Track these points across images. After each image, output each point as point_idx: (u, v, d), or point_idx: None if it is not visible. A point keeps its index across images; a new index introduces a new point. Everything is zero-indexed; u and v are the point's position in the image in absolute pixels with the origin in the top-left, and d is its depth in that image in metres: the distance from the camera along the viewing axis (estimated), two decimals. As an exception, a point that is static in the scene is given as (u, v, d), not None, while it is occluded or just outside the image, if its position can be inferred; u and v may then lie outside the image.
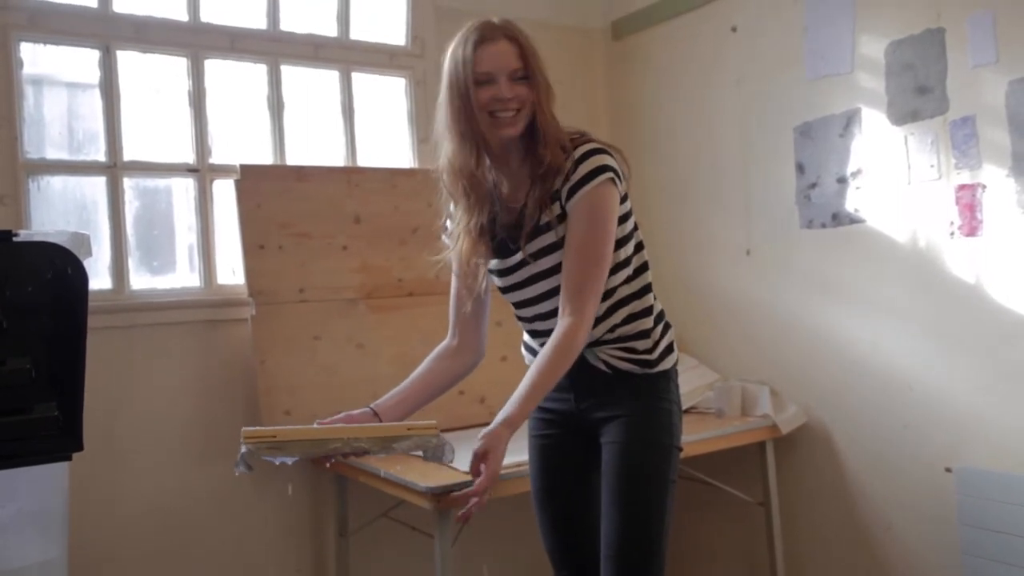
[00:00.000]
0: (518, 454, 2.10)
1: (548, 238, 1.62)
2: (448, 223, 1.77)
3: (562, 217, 1.60)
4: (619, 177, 1.61)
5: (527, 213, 1.62)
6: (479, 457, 1.44)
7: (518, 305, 1.73)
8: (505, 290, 1.74)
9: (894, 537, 2.60)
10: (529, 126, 1.61)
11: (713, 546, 3.18)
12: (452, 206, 1.74)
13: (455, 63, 1.60)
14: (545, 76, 1.61)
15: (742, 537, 3.06)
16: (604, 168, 1.58)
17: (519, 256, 1.65)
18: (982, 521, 2.27)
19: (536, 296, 1.68)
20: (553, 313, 1.65)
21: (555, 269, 1.62)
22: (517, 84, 1.58)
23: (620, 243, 1.64)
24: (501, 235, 1.67)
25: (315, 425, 1.63)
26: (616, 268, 1.65)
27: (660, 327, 1.71)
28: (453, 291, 1.79)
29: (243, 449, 1.41)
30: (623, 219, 1.65)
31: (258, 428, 1.46)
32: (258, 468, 1.66)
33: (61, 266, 1.10)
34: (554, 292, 1.64)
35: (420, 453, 1.51)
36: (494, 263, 1.71)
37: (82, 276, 1.12)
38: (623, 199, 1.64)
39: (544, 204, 1.60)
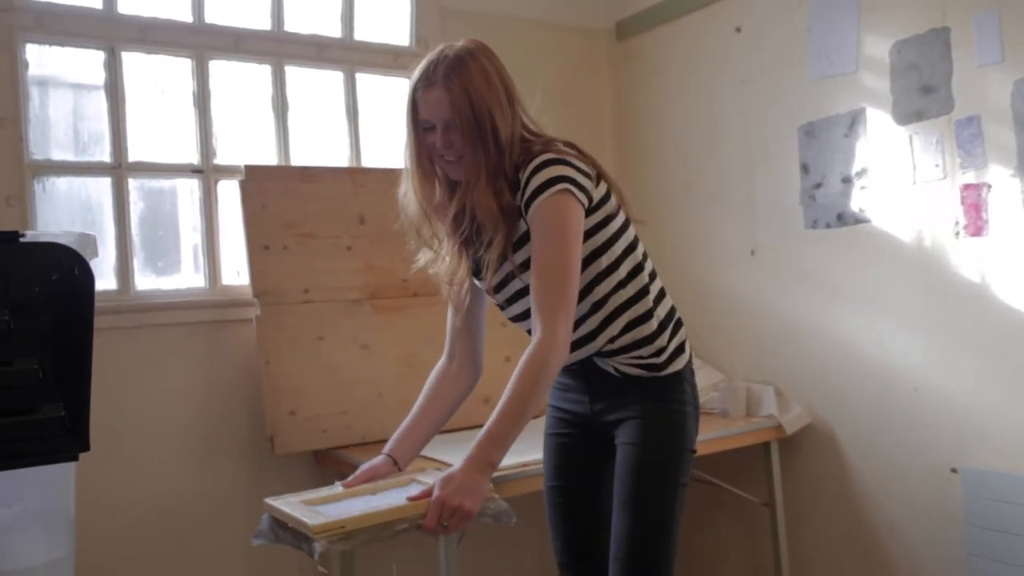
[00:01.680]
0: (527, 453, 2.11)
1: (515, 259, 1.61)
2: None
3: (524, 238, 1.59)
4: (577, 186, 1.54)
5: (488, 252, 1.61)
6: (426, 491, 1.47)
7: (510, 319, 1.74)
8: (498, 306, 1.75)
9: (899, 538, 2.59)
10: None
11: (718, 546, 3.17)
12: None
13: (406, 105, 1.61)
14: (485, 118, 1.53)
15: (747, 537, 3.06)
16: (556, 179, 1.53)
17: (498, 277, 1.65)
18: (988, 522, 2.27)
19: (521, 314, 1.68)
20: (533, 333, 1.66)
21: (526, 291, 1.61)
22: (453, 132, 1.55)
23: (602, 249, 1.61)
24: (478, 259, 1.67)
25: (338, 487, 1.63)
26: (602, 275, 1.62)
27: (668, 331, 1.68)
28: (452, 311, 1.80)
29: (317, 547, 1.38)
30: (603, 224, 1.61)
31: (321, 520, 1.41)
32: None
33: (67, 267, 1.11)
34: (531, 313, 1.63)
35: (485, 519, 1.52)
36: (479, 282, 1.72)
37: (88, 277, 1.13)
38: (599, 204, 1.60)
39: (507, 247, 1.59)
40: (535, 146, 1.60)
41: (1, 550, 1.51)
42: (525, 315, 1.66)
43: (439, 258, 1.69)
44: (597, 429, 1.73)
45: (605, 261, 1.62)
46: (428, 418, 1.75)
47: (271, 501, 1.55)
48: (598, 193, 1.60)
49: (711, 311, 3.14)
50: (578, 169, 1.56)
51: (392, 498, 1.53)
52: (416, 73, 1.59)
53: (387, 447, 1.71)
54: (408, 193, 1.67)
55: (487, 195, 1.56)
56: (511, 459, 2.18)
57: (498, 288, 1.66)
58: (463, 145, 1.55)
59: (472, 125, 1.53)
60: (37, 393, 1.10)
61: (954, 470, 2.38)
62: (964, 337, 2.39)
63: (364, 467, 1.67)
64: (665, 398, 1.66)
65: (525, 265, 1.59)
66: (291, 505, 1.53)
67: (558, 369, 1.54)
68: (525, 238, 1.59)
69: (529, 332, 1.72)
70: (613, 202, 1.64)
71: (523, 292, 1.62)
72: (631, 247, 1.67)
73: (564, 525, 1.78)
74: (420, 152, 1.61)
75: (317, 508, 1.52)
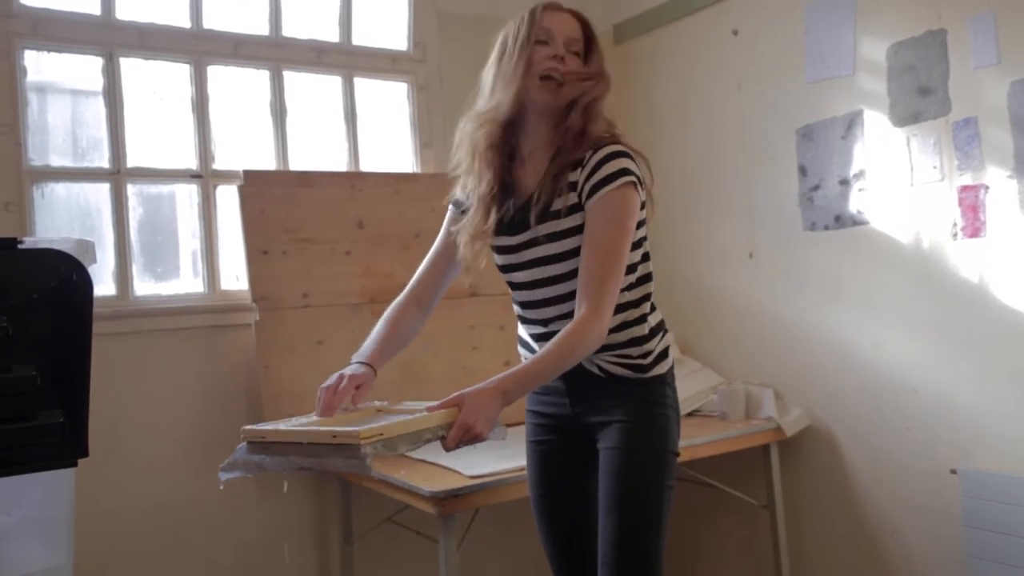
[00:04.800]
0: (519, 459, 2.11)
1: (555, 225, 1.61)
2: (459, 193, 1.77)
3: (573, 208, 1.60)
4: (640, 183, 1.61)
5: (541, 191, 1.62)
6: (447, 402, 1.46)
7: (515, 287, 1.73)
8: (504, 269, 1.73)
9: (899, 539, 2.59)
10: (568, 109, 1.62)
11: (718, 549, 3.17)
12: (465, 172, 1.72)
13: (516, 23, 1.64)
14: (603, 66, 1.64)
15: (747, 540, 3.06)
16: (627, 171, 1.58)
17: (526, 236, 1.65)
18: (987, 523, 2.27)
19: (533, 281, 1.67)
20: (546, 303, 1.66)
21: (556, 257, 1.62)
22: (571, 56, 1.61)
23: (631, 248, 1.63)
24: (513, 213, 1.67)
25: (311, 416, 1.59)
26: None
27: (656, 337, 1.70)
28: (433, 256, 1.80)
29: (363, 450, 1.35)
30: (638, 226, 1.64)
31: (359, 427, 1.38)
32: (257, 475, 1.61)
33: (66, 273, 1.11)
34: (551, 281, 1.64)
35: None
36: (500, 240, 1.70)
37: (86, 283, 1.13)
38: (641, 206, 1.64)
39: (560, 188, 1.60)
40: (596, 130, 1.64)
41: (0, 557, 1.50)
42: (535, 285, 1.67)
43: (469, 215, 1.69)
44: (578, 432, 1.73)
45: (629, 260, 1.63)
46: (394, 339, 1.73)
47: (256, 427, 1.48)
48: (643, 197, 1.64)
49: (710, 314, 3.14)
50: (640, 169, 1.62)
51: (399, 418, 1.49)
52: (534, 7, 1.65)
53: (363, 356, 1.66)
54: (469, 128, 1.67)
55: (600, 116, 1.63)
56: (507, 464, 2.19)
57: (523, 247, 1.65)
58: (580, 68, 1.62)
59: (598, 55, 1.64)
60: (35, 399, 1.10)
61: (953, 471, 2.38)
62: (962, 338, 2.40)
63: (347, 372, 1.60)
64: (647, 401, 1.66)
65: (556, 235, 1.61)
66: (293, 429, 1.47)
67: (595, 347, 1.56)
68: (567, 211, 1.61)
69: (518, 304, 1.74)
70: (646, 211, 1.68)
71: (547, 260, 1.64)
72: (647, 256, 1.71)
73: (553, 532, 1.77)
74: (520, 67, 1.61)
75: (328, 428, 1.48)
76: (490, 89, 1.66)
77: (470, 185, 1.70)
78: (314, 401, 1.57)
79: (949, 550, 2.42)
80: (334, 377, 1.58)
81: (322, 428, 1.44)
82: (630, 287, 1.66)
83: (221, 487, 1.48)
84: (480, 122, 1.65)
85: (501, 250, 1.71)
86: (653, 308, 1.72)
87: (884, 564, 2.64)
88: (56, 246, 1.15)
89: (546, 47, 1.61)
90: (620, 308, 1.64)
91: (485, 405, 1.44)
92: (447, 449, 1.45)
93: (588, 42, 1.64)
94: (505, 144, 1.66)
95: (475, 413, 1.43)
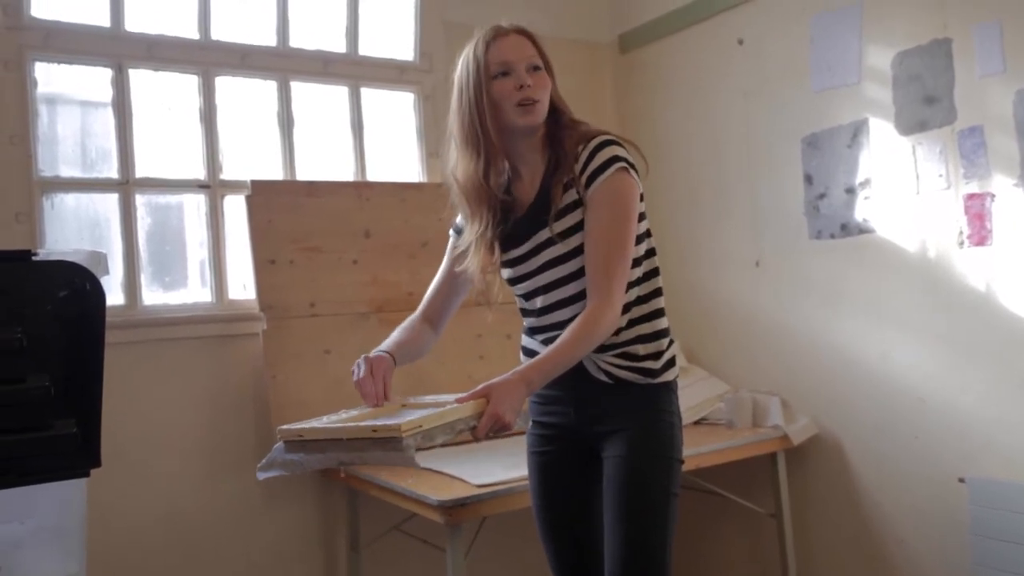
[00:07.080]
0: (525, 468, 2.11)
1: (559, 225, 1.62)
2: (459, 220, 1.78)
3: (574, 205, 1.61)
4: (635, 169, 1.62)
5: (541, 196, 1.64)
6: (475, 393, 1.48)
7: (526, 296, 1.73)
8: (513, 281, 1.74)
9: (906, 548, 2.59)
10: (550, 116, 1.65)
11: (725, 557, 3.16)
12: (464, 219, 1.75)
13: (466, 65, 1.63)
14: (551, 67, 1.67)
15: (754, 548, 3.05)
16: (618, 158, 1.59)
17: (532, 243, 1.66)
18: (995, 532, 2.27)
19: (545, 285, 1.67)
20: (560, 305, 1.66)
21: (565, 257, 1.63)
22: (535, 74, 1.61)
23: (635, 242, 1.64)
24: (515, 226, 1.68)
25: (350, 411, 1.60)
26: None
27: (666, 340, 1.69)
28: (439, 281, 1.81)
29: (405, 442, 1.35)
30: (639, 218, 1.65)
31: (399, 421, 1.39)
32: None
33: (79, 284, 1.12)
34: (563, 282, 1.65)
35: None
36: (506, 255, 1.71)
37: (99, 294, 1.13)
38: (640, 197, 1.65)
39: (559, 189, 1.61)
40: (580, 125, 1.66)
41: (14, 566, 1.51)
42: (548, 288, 1.67)
43: (471, 252, 1.70)
44: (581, 441, 1.72)
45: (633, 253, 1.64)
46: (410, 344, 1.74)
47: (291, 426, 1.48)
48: (639, 184, 1.65)
49: (716, 322, 3.14)
50: (631, 157, 1.64)
51: (429, 411, 1.49)
52: (472, 42, 1.63)
53: (381, 348, 1.67)
54: (459, 168, 1.68)
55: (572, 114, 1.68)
56: (514, 473, 2.19)
57: (531, 255, 1.67)
58: (548, 81, 1.63)
59: (551, 65, 1.64)
60: (49, 410, 1.10)
61: (961, 480, 2.38)
62: (969, 346, 2.40)
63: (370, 356, 1.62)
64: (653, 409, 1.66)
65: (565, 234, 1.62)
66: (330, 426, 1.47)
67: (609, 332, 1.58)
68: (566, 210, 1.62)
69: (528, 313, 1.74)
70: (644, 203, 1.68)
71: (557, 262, 1.64)
72: (652, 251, 1.71)
73: (556, 542, 1.77)
74: (478, 110, 1.61)
75: (362, 423, 1.47)
76: (451, 142, 1.67)
77: (469, 229, 1.71)
78: (320, 408, 1.58)
79: (956, 559, 2.42)
80: (361, 368, 1.59)
81: (360, 424, 1.45)
82: (637, 282, 1.65)
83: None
84: (457, 185, 1.68)
85: (508, 263, 1.71)
86: (663, 311, 1.71)
87: (891, 573, 2.63)
88: (69, 258, 1.16)
89: (508, 78, 1.60)
90: (629, 304, 1.64)
91: (511, 395, 1.47)
92: (477, 439, 1.46)
93: (540, 51, 1.65)
94: (494, 183, 1.66)
95: (503, 403, 1.46)
